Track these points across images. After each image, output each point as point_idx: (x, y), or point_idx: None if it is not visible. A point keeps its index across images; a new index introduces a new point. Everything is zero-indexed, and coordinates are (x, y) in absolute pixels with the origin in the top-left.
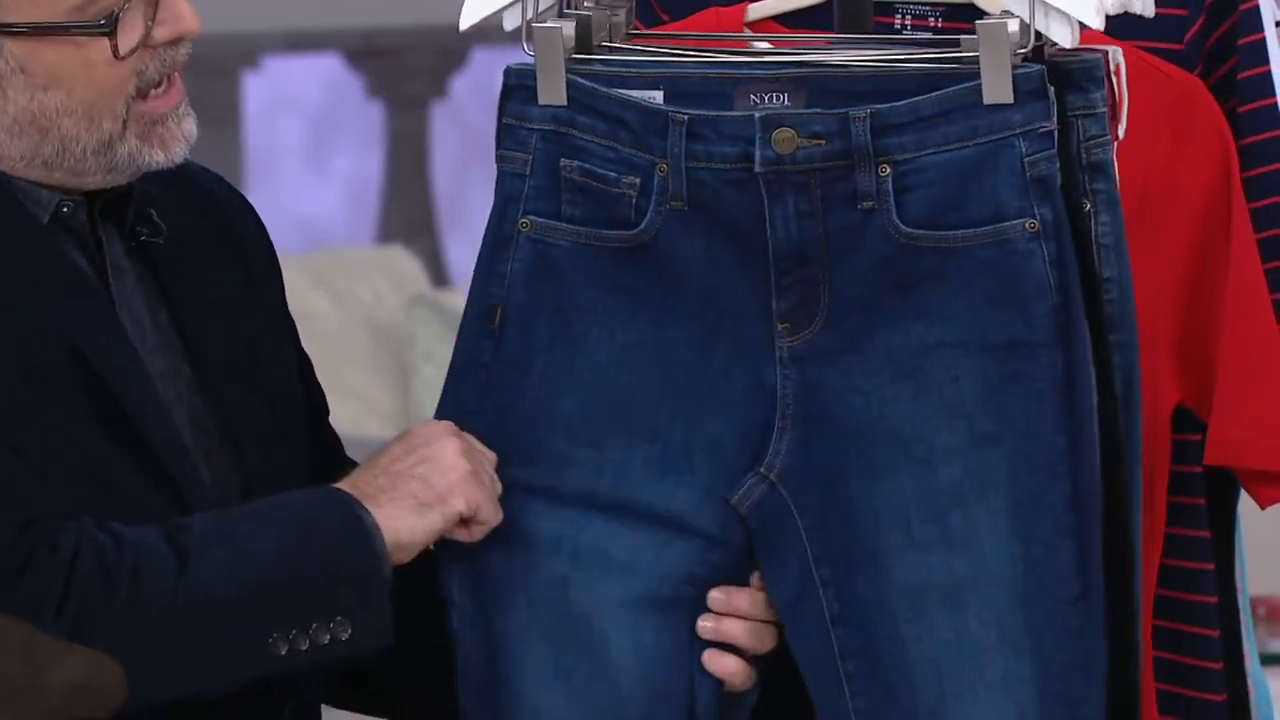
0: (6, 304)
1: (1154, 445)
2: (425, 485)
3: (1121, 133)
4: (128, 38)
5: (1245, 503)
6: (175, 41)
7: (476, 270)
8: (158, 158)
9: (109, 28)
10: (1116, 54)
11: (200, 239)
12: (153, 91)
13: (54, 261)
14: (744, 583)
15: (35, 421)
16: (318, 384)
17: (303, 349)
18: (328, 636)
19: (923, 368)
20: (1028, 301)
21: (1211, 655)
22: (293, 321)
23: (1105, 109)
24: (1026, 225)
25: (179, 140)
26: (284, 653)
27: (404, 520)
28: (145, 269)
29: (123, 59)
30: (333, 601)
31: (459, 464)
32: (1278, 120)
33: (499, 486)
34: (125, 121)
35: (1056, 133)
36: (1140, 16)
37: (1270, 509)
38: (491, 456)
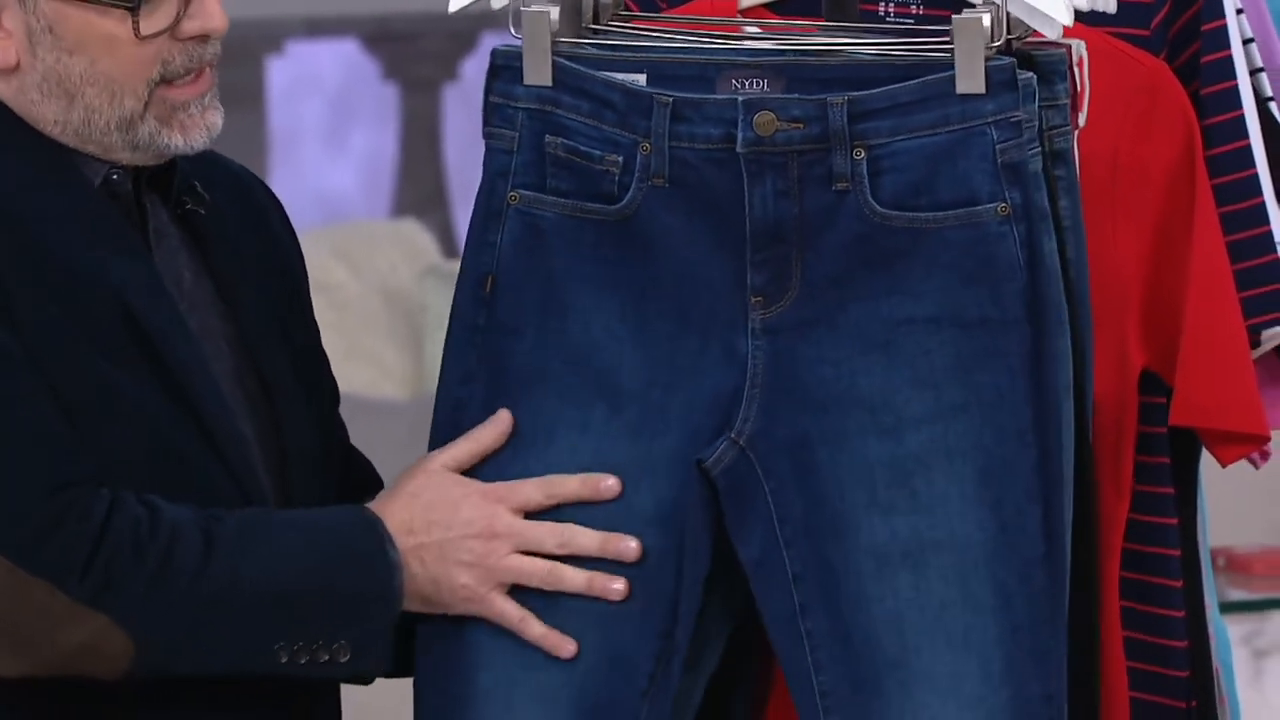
0: (62, 258)
1: (1122, 407)
2: (449, 577)
3: (1082, 120)
4: (153, 22)
5: (1207, 460)
6: (203, 38)
7: (468, 241)
8: (176, 141)
9: (133, 5)
10: (1080, 47)
11: (232, 217)
12: (178, 80)
13: (104, 222)
14: (705, 555)
15: (88, 373)
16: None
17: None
18: (327, 656)
19: (893, 341)
20: (999, 281)
21: (1174, 604)
22: (312, 306)
23: (1068, 100)
24: (999, 209)
25: (199, 128)
26: (284, 661)
27: (419, 593)
28: (188, 236)
29: (144, 40)
30: (339, 623)
31: (485, 578)
32: (1238, 102)
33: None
34: (147, 103)
35: (1036, 121)
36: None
37: (1230, 466)
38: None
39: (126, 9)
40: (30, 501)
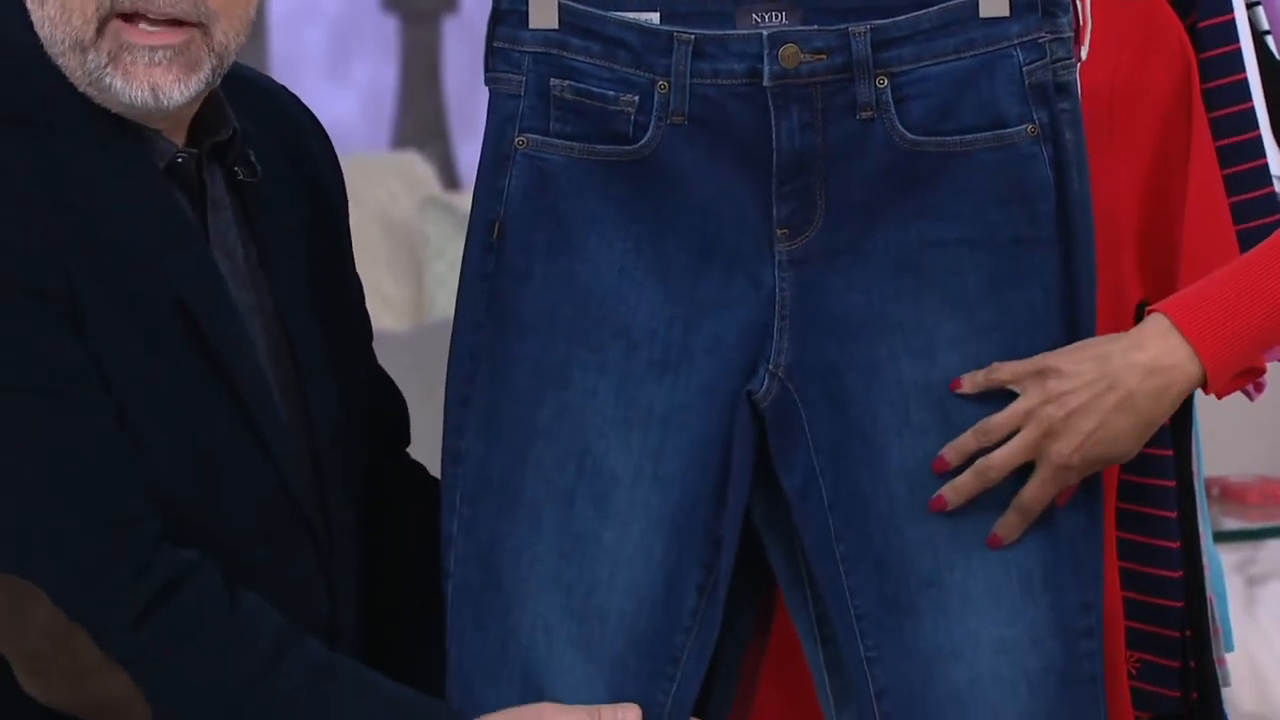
0: (119, 246)
1: None
2: None
3: (1084, 54)
4: None
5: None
6: None
7: (476, 188)
8: (117, 84)
9: None
10: None
11: (284, 174)
12: (142, 24)
13: (163, 207)
14: (745, 488)
15: (138, 362)
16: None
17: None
18: None
19: (924, 264)
20: (1032, 200)
21: (1170, 535)
22: (351, 247)
23: (1071, 34)
24: (1028, 130)
25: (140, 81)
26: None
27: None
28: (239, 205)
29: None
30: None
31: None
32: (1235, 35)
33: None
34: (99, 30)
35: (1070, 34)
36: None
37: (1225, 399)
38: None
39: None
40: (78, 536)
